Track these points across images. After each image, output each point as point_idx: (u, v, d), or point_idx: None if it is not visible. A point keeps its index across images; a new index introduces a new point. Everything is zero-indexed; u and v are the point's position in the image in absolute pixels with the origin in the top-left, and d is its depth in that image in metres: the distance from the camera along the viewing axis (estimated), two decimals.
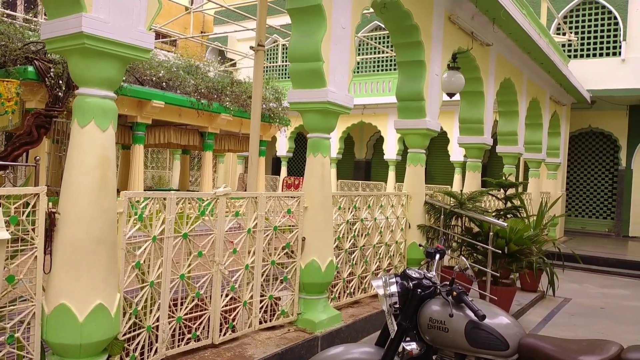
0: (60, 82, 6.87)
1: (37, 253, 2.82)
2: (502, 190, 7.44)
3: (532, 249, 6.41)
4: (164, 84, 8.63)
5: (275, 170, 21.73)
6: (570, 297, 8.02)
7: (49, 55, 6.88)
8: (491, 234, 5.93)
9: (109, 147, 2.98)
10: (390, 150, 17.09)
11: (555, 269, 7.61)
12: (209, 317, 3.89)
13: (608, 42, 14.58)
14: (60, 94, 6.90)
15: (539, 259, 6.97)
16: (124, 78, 7.86)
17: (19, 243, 2.76)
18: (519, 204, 7.41)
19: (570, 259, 8.93)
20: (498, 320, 2.72)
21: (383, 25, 6.63)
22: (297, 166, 21.61)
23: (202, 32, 20.06)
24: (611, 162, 16.15)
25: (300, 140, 19.73)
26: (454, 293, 2.71)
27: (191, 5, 15.64)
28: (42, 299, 2.91)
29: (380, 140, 18.39)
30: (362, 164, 20.67)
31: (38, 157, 6.51)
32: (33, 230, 2.81)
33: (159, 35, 16.24)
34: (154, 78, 8.51)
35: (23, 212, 2.74)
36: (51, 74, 6.84)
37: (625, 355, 2.45)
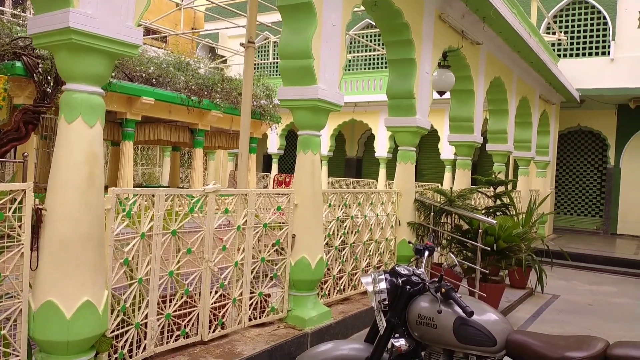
0: (49, 77, 6.80)
1: (23, 250, 2.80)
2: (491, 188, 7.48)
3: (520, 246, 6.45)
4: (153, 80, 8.58)
5: (267, 168, 21.71)
6: (559, 294, 8.09)
7: (37, 50, 6.81)
8: (480, 231, 5.97)
9: (96, 143, 2.96)
10: (381, 148, 17.13)
11: (544, 266, 7.67)
12: (198, 314, 3.88)
13: (597, 42, 14.70)
14: (48, 89, 6.84)
15: (528, 256, 7.02)
16: (113, 74, 7.80)
17: (5, 240, 2.73)
18: (508, 201, 7.45)
19: (559, 256, 9.00)
20: (486, 316, 2.74)
21: (374, 23, 6.63)
22: (288, 163, 21.60)
23: (192, 29, 19.95)
24: (600, 161, 16.29)
25: (291, 138, 19.72)
26: (443, 290, 2.72)
27: (182, 1, 15.53)
28: (29, 296, 2.88)
29: (371, 138, 18.42)
30: (353, 161, 20.70)
31: (26, 154, 6.45)
32: (19, 226, 2.78)
33: (149, 31, 16.13)
34: (144, 74, 8.45)
35: (9, 209, 2.72)
36: (39, 69, 6.78)
37: (611, 351, 2.48)
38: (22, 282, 2.83)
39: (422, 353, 2.91)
